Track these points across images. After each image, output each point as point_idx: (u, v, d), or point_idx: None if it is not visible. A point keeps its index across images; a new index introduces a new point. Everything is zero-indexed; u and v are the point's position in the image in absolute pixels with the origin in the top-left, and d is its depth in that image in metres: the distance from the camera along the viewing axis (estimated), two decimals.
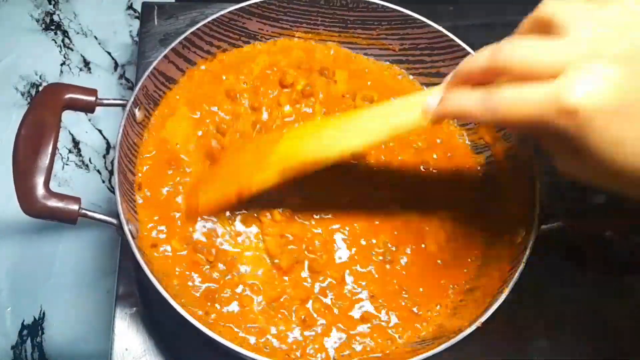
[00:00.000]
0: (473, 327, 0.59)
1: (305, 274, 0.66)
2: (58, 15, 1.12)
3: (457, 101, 0.51)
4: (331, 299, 0.65)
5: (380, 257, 0.67)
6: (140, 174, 0.68)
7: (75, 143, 1.03)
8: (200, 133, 0.71)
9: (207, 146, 0.70)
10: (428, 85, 0.78)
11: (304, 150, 0.63)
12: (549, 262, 0.77)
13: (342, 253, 0.67)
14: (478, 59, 0.49)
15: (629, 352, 0.74)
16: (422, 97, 0.55)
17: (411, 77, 0.78)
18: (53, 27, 1.11)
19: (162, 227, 0.66)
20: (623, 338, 0.75)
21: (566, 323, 0.75)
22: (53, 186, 0.61)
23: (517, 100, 0.46)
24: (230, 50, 0.77)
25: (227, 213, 0.68)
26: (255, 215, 0.68)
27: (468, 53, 0.73)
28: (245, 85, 0.74)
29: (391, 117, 0.58)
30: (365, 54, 0.79)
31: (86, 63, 1.09)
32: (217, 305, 0.64)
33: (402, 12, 0.75)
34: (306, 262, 0.66)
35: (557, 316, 0.75)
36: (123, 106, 0.66)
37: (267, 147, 0.66)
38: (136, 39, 1.00)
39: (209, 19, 0.72)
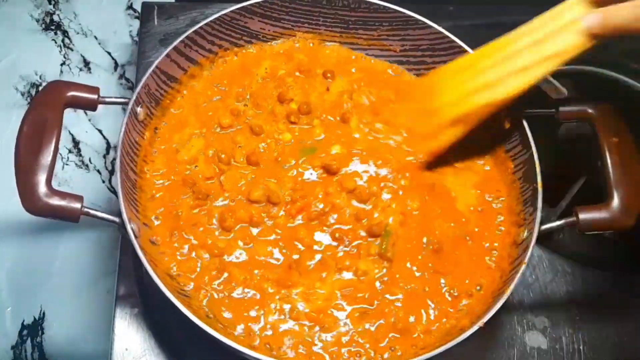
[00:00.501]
0: (475, 327, 0.59)
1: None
2: (58, 15, 1.12)
3: (620, 15, 0.52)
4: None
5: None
6: (155, 193, 0.68)
7: (75, 143, 1.03)
8: (205, 153, 0.71)
9: (212, 172, 0.70)
10: None
11: (467, 99, 0.65)
12: (549, 262, 0.78)
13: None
14: None
15: (629, 352, 0.74)
16: (566, 16, 0.58)
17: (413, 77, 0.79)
18: (53, 27, 1.11)
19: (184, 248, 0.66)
20: (624, 337, 0.75)
21: (565, 322, 0.75)
22: (53, 186, 0.61)
23: None
24: (232, 50, 0.77)
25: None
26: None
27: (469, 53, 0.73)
28: (247, 100, 0.74)
29: (546, 45, 0.59)
30: (367, 55, 0.79)
31: (86, 63, 1.08)
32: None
33: (403, 12, 0.75)
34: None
35: (557, 315, 0.75)
36: (125, 104, 0.67)
37: (426, 102, 0.69)
38: (136, 39, 1.00)
39: (211, 18, 0.72)
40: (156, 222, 0.67)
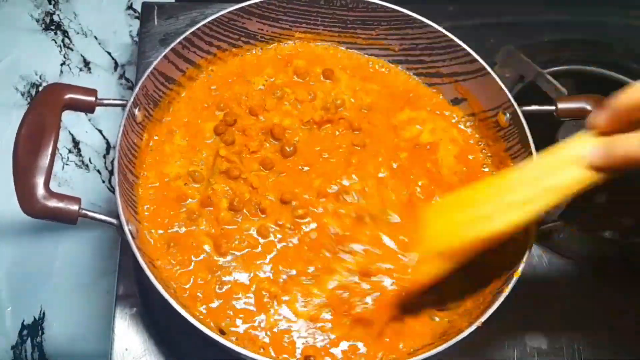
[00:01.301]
0: (473, 327, 0.59)
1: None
2: (58, 15, 1.12)
3: (626, 148, 0.49)
4: None
5: None
6: (147, 206, 0.67)
7: (75, 143, 1.03)
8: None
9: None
10: (429, 85, 0.78)
11: (461, 231, 0.60)
12: (549, 262, 0.78)
13: None
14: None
15: (629, 352, 0.74)
16: (570, 150, 0.54)
17: (412, 77, 0.78)
18: (53, 27, 1.11)
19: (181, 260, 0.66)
20: (622, 337, 0.75)
21: (565, 322, 0.75)
22: (53, 186, 0.61)
23: None
24: (230, 51, 0.77)
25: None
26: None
27: (468, 53, 0.73)
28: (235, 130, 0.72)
29: (548, 178, 0.55)
30: (365, 54, 0.79)
31: (86, 63, 1.09)
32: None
33: (401, 12, 0.75)
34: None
35: (557, 315, 0.75)
36: (123, 106, 0.66)
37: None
38: (136, 39, 1.00)
39: (209, 19, 0.72)
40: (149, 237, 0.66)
